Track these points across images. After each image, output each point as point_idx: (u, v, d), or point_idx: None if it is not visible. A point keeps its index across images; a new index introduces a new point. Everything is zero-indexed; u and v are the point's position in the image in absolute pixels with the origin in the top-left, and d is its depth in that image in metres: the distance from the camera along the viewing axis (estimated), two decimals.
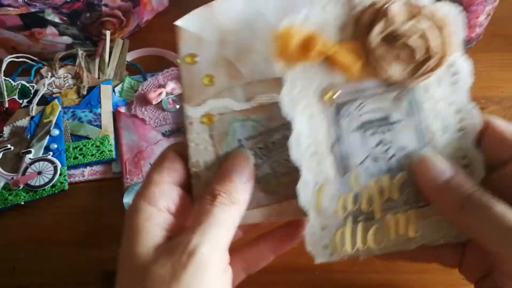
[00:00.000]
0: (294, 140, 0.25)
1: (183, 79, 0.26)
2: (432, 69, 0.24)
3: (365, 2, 0.24)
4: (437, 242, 0.26)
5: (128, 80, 0.49)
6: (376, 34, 0.24)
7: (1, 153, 0.41)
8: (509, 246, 0.22)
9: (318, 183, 0.26)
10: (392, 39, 0.24)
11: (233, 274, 0.28)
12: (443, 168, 0.24)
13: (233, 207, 0.25)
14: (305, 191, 0.25)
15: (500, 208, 0.22)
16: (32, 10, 0.46)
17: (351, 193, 0.26)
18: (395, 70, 0.24)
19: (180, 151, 0.27)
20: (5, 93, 0.46)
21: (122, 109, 0.46)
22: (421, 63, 0.24)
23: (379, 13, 0.23)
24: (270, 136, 0.26)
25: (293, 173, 0.26)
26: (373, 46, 0.24)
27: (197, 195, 0.26)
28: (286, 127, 0.25)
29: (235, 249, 0.30)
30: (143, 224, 0.24)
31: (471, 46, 0.52)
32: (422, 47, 0.24)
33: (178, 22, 0.25)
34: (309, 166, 0.25)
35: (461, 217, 0.24)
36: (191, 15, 0.25)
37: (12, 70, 0.49)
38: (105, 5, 0.50)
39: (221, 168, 0.26)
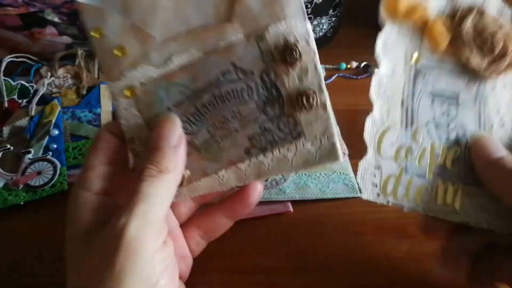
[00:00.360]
0: (377, 80, 0.28)
1: (98, 56, 0.25)
2: (504, 69, 0.28)
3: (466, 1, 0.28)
4: (480, 225, 0.27)
5: None
6: (470, 21, 0.28)
7: (1, 153, 0.41)
8: None
9: (384, 125, 0.28)
10: (480, 31, 0.28)
11: (192, 244, 0.30)
12: (498, 147, 0.26)
13: (163, 176, 0.23)
14: (371, 128, 0.28)
15: None
16: (32, 10, 0.46)
17: (410, 146, 0.28)
18: (475, 57, 0.28)
19: (116, 130, 0.26)
20: (5, 93, 0.46)
21: None
22: (498, 58, 0.28)
23: (476, 9, 0.28)
24: (199, 98, 0.25)
25: (234, 133, 0.25)
26: (463, 31, 0.28)
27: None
28: (214, 85, 0.24)
29: (190, 220, 0.30)
30: (78, 211, 0.24)
31: None
32: (502, 44, 0.28)
33: None
34: (381, 107, 0.28)
35: (510, 189, 0.25)
36: None
37: (11, 70, 0.49)
38: None
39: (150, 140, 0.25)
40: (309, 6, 0.47)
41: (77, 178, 0.25)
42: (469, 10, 0.29)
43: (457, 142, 0.28)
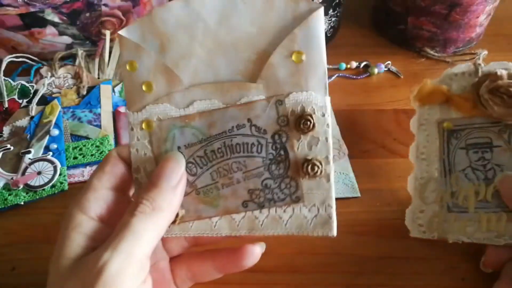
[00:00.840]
0: (414, 147, 0.35)
1: (125, 86, 0.26)
2: None
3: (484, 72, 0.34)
4: None
5: None
6: (486, 85, 0.34)
7: (1, 153, 0.41)
8: None
9: (424, 178, 0.34)
10: (496, 90, 0.34)
11: (178, 280, 0.30)
12: None
13: (156, 214, 0.23)
14: (413, 182, 0.34)
15: None
16: (32, 10, 0.46)
17: (450, 190, 0.33)
18: (498, 109, 0.34)
19: (125, 155, 0.27)
20: (5, 93, 0.46)
21: (122, 109, 0.46)
22: None
23: (489, 75, 0.34)
24: (210, 145, 0.26)
25: (235, 184, 0.26)
26: (482, 93, 0.34)
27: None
28: (227, 135, 0.26)
29: (180, 257, 0.30)
30: (69, 233, 0.24)
31: (471, 46, 0.52)
32: None
33: (122, 32, 0.25)
34: (420, 166, 0.34)
35: None
36: (133, 25, 0.26)
37: (11, 70, 0.49)
38: (105, 4, 0.50)
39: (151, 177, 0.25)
40: None
41: (76, 197, 0.25)
42: (484, 78, 0.35)
43: (494, 178, 0.32)
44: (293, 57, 0.24)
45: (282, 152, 0.25)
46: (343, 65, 0.50)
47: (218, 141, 0.26)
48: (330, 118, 0.25)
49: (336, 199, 0.26)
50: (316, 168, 0.25)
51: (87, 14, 0.49)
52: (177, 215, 0.26)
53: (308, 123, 0.24)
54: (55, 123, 0.43)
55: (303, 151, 0.25)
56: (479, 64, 0.36)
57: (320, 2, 0.48)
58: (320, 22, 0.24)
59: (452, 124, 0.36)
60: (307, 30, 0.24)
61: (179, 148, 0.26)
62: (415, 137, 0.36)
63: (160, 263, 0.30)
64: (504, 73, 0.34)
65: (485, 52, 0.37)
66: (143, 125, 0.26)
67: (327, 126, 0.25)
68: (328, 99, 0.25)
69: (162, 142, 0.26)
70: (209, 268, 0.29)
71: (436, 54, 0.50)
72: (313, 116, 0.25)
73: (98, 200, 0.25)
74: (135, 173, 0.26)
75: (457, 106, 0.36)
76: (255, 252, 0.29)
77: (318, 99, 0.25)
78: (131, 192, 0.28)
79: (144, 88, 0.26)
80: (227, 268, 0.29)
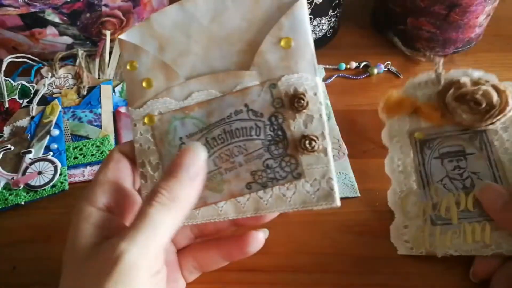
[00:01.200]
0: (388, 160, 0.37)
1: (127, 85, 0.28)
2: (495, 117, 0.34)
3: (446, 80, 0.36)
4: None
5: None
6: (451, 93, 0.35)
7: (1, 153, 0.42)
8: None
9: (404, 191, 0.35)
10: (461, 98, 0.35)
11: (185, 272, 0.30)
12: (501, 192, 0.30)
13: (174, 205, 0.23)
14: (393, 197, 0.35)
15: None
16: (32, 10, 0.46)
17: (430, 202, 0.34)
18: (467, 117, 0.34)
19: (127, 151, 0.28)
20: (5, 93, 0.46)
21: (122, 109, 0.46)
22: (485, 113, 0.34)
23: (453, 83, 0.35)
24: (210, 132, 0.27)
25: (238, 167, 0.27)
26: (449, 101, 0.35)
27: (144, 195, 0.27)
28: (225, 122, 0.27)
29: (186, 249, 0.31)
30: (80, 225, 0.24)
31: (471, 46, 0.52)
32: (485, 101, 0.34)
33: (122, 36, 0.27)
34: (398, 180, 0.36)
35: None
36: (132, 30, 0.27)
37: (12, 70, 0.49)
38: (105, 5, 0.50)
39: (170, 166, 0.25)
40: (309, 6, 0.47)
41: (84, 192, 0.26)
42: (448, 87, 0.36)
43: (473, 187, 0.33)
44: (282, 43, 0.26)
45: (279, 133, 0.26)
46: (343, 65, 0.50)
47: (217, 128, 0.27)
48: (322, 97, 0.26)
49: None
50: (313, 143, 0.26)
51: (88, 15, 0.49)
52: None
53: (302, 101, 0.26)
54: (56, 123, 0.44)
55: (300, 130, 0.26)
56: (440, 73, 0.37)
57: (319, 3, 0.48)
58: (304, 10, 0.26)
59: (423, 134, 0.36)
60: (293, 18, 0.26)
61: (181, 138, 0.27)
62: (389, 150, 0.37)
63: (168, 256, 0.30)
64: (467, 80, 0.35)
65: (442, 60, 0.37)
66: (145, 120, 0.27)
67: (319, 104, 0.26)
68: (318, 79, 0.26)
69: (165, 134, 0.27)
70: (215, 256, 0.30)
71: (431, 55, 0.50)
72: (306, 95, 0.26)
73: (105, 192, 0.26)
74: (140, 167, 0.27)
75: (426, 115, 0.36)
76: (259, 238, 0.29)
77: (309, 79, 0.26)
78: (137, 186, 0.29)
79: (144, 84, 0.27)
80: (233, 255, 0.30)
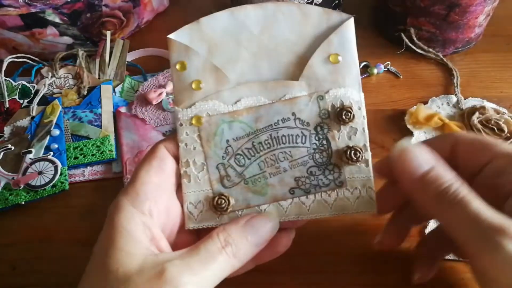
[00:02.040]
0: None
1: (175, 85, 0.28)
2: None
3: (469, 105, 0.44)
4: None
5: (128, 80, 0.49)
6: (475, 117, 0.42)
7: (2, 153, 0.42)
8: (483, 245, 0.21)
9: None
10: (485, 122, 0.42)
11: None
12: (423, 160, 0.25)
13: (235, 261, 0.24)
14: None
15: (476, 204, 0.22)
16: (33, 10, 0.46)
17: None
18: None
19: (171, 148, 0.27)
20: (6, 93, 0.46)
21: (123, 109, 0.46)
22: (506, 139, 0.40)
23: (476, 108, 0.43)
24: (257, 137, 0.28)
25: (282, 172, 0.28)
26: (473, 125, 0.41)
27: (187, 195, 0.27)
28: (272, 128, 0.28)
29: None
30: (125, 226, 0.23)
31: (470, 46, 0.52)
32: (506, 127, 0.41)
33: (171, 36, 0.27)
34: None
35: (437, 212, 0.24)
36: (181, 30, 0.27)
37: (12, 70, 0.49)
38: (106, 5, 0.50)
39: (244, 220, 0.26)
40: None
41: (125, 187, 0.25)
42: (473, 110, 0.43)
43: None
44: (331, 59, 0.27)
45: (324, 142, 0.28)
46: None
47: (265, 133, 0.28)
48: (365, 111, 0.28)
49: None
50: (358, 154, 0.27)
51: (88, 15, 0.49)
52: (228, 203, 0.27)
53: (349, 114, 0.27)
54: (56, 123, 0.44)
55: (343, 141, 0.28)
56: (461, 97, 0.45)
57: (320, 3, 0.48)
58: (351, 29, 0.28)
59: None
60: (341, 36, 0.28)
61: (227, 141, 0.28)
62: None
63: None
64: (490, 107, 0.43)
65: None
66: (193, 121, 0.28)
67: (363, 118, 0.28)
68: (362, 95, 0.28)
69: (212, 136, 0.28)
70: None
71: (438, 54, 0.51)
72: (352, 108, 0.28)
73: (147, 195, 0.25)
74: (184, 167, 0.28)
75: (451, 129, 0.41)
76: (290, 237, 0.29)
77: (354, 94, 0.28)
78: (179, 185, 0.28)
79: (193, 86, 0.28)
80: (264, 257, 0.29)
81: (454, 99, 0.46)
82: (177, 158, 0.28)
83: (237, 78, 0.28)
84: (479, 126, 0.41)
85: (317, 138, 0.28)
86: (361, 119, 0.28)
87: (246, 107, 0.28)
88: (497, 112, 0.43)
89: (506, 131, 0.41)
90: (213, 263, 0.23)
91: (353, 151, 0.27)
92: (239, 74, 0.28)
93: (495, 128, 0.41)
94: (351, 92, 0.28)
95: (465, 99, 0.46)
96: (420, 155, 0.25)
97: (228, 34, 0.28)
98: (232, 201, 0.27)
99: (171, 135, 0.28)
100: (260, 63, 0.28)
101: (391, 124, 0.45)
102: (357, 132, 0.28)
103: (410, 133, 0.43)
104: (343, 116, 0.27)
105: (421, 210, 0.26)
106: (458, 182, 0.24)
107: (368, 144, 0.28)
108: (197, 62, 0.28)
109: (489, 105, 0.44)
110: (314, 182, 0.28)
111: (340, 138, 0.28)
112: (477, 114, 0.42)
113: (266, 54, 0.28)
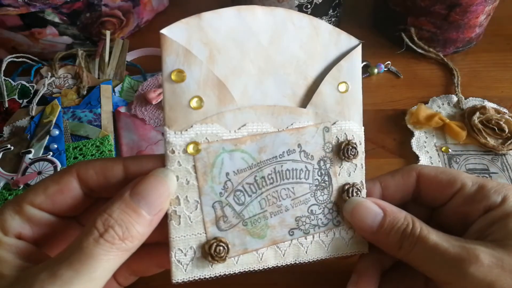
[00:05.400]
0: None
1: (166, 99, 0.22)
2: None
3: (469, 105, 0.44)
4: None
5: (128, 80, 0.49)
6: (477, 117, 0.42)
7: (1, 153, 0.41)
8: (448, 272, 0.23)
9: None
10: (486, 122, 0.41)
11: (120, 278, 0.27)
12: (373, 211, 0.25)
13: (123, 246, 0.20)
14: None
15: (434, 238, 0.23)
16: (32, 10, 0.46)
17: None
18: (490, 140, 0.41)
19: (89, 178, 0.23)
20: (5, 93, 0.46)
21: (122, 109, 0.46)
22: (506, 139, 0.41)
23: (477, 108, 0.43)
24: (261, 170, 0.24)
25: (283, 212, 0.25)
26: (474, 125, 0.41)
27: (175, 240, 0.22)
28: (277, 160, 0.24)
29: None
30: None
31: (471, 46, 0.52)
32: (507, 127, 0.41)
33: (165, 31, 0.21)
34: None
35: (402, 255, 0.25)
36: (178, 25, 0.21)
37: (12, 70, 0.49)
38: (105, 5, 0.50)
39: (128, 192, 0.21)
40: (309, 6, 0.47)
41: (5, 203, 0.23)
42: (473, 110, 0.42)
43: None
44: (340, 87, 0.25)
45: (326, 178, 0.26)
46: None
47: (268, 166, 0.24)
48: (363, 146, 0.27)
49: None
50: (358, 193, 0.26)
51: (87, 14, 0.49)
52: (227, 250, 0.23)
53: (354, 150, 0.26)
54: (55, 123, 0.43)
55: (343, 177, 0.26)
56: (462, 97, 0.45)
57: (320, 3, 0.48)
58: (359, 57, 0.26)
59: (450, 150, 0.41)
60: (351, 63, 0.25)
61: (227, 174, 0.23)
62: (419, 157, 0.40)
63: None
64: (491, 107, 0.43)
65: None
66: (189, 148, 0.22)
67: (362, 154, 0.27)
68: (363, 128, 0.27)
69: (209, 167, 0.23)
70: (149, 266, 0.27)
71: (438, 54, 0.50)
72: (356, 144, 0.26)
73: (24, 217, 0.22)
74: (173, 205, 0.22)
75: (453, 133, 0.41)
76: None
77: (356, 128, 0.26)
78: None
79: (192, 104, 0.22)
80: (166, 264, 0.26)
81: (454, 99, 0.45)
82: (93, 191, 0.23)
83: (240, 96, 0.23)
84: (479, 126, 0.41)
85: (319, 173, 0.26)
86: (361, 155, 0.27)
87: (251, 134, 0.23)
88: (498, 112, 0.43)
89: (506, 131, 0.41)
90: (90, 261, 0.19)
91: (355, 189, 0.26)
92: (242, 92, 0.23)
93: (496, 128, 0.41)
94: (354, 126, 0.26)
95: (465, 99, 0.45)
96: (369, 208, 0.25)
97: (233, 39, 0.23)
98: (230, 247, 0.24)
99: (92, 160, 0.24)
100: (266, 81, 0.24)
101: (392, 124, 0.44)
102: (356, 169, 0.26)
103: (411, 133, 0.43)
104: (348, 153, 0.26)
105: (389, 255, 0.26)
106: (410, 220, 0.25)
107: (364, 181, 0.27)
108: (199, 73, 0.22)
109: (489, 105, 0.44)
110: (313, 222, 0.26)
111: (340, 175, 0.26)
112: (477, 114, 0.42)
113: (273, 71, 0.24)
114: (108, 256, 0.19)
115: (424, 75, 0.50)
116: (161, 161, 0.22)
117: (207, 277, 0.23)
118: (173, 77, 0.21)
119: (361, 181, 0.27)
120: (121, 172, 0.23)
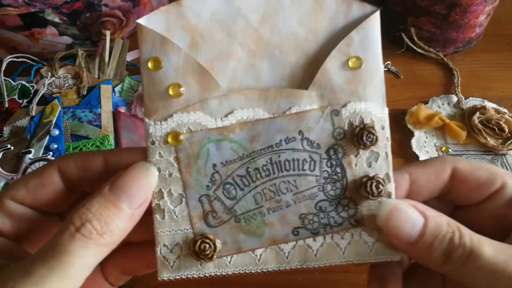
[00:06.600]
0: None
1: (145, 88, 0.21)
2: None
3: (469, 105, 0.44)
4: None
5: (128, 80, 0.49)
6: (477, 117, 0.42)
7: (1, 153, 0.41)
8: None
9: None
10: (486, 122, 0.42)
11: (111, 279, 0.26)
12: (413, 217, 0.21)
13: (101, 241, 0.19)
14: None
15: (489, 251, 0.20)
16: (32, 10, 0.46)
17: None
18: (490, 140, 0.41)
19: (69, 171, 0.22)
20: (5, 93, 0.46)
21: (122, 109, 0.46)
22: (506, 139, 0.41)
23: (477, 108, 0.43)
24: (253, 161, 0.22)
25: (284, 208, 0.22)
26: (474, 125, 0.41)
27: (160, 235, 0.22)
28: (273, 150, 0.22)
29: (111, 257, 0.25)
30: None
31: (471, 46, 0.52)
32: (507, 127, 0.41)
33: (142, 21, 0.21)
34: None
35: (449, 271, 0.21)
36: (157, 13, 0.21)
37: (12, 70, 0.49)
38: (105, 5, 0.50)
39: (107, 186, 0.20)
40: None
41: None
42: (473, 110, 0.43)
43: None
44: (351, 63, 0.22)
45: (338, 170, 0.22)
46: None
47: (263, 157, 0.22)
48: (389, 131, 0.22)
49: None
50: (381, 187, 0.22)
51: (87, 14, 0.49)
52: (214, 248, 0.22)
53: (371, 135, 0.22)
54: (55, 123, 0.43)
55: (362, 168, 0.22)
56: (462, 97, 0.45)
57: None
58: (377, 27, 0.22)
59: (450, 150, 0.41)
60: (365, 34, 0.22)
61: (214, 166, 0.22)
62: (419, 157, 0.40)
63: None
64: (491, 107, 0.43)
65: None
66: (169, 138, 0.21)
67: (387, 140, 0.22)
68: (387, 110, 0.22)
69: (193, 158, 0.22)
70: (139, 266, 0.26)
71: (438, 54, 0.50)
72: (375, 128, 0.22)
73: (1, 215, 0.21)
74: (157, 199, 0.22)
75: (453, 133, 0.42)
76: None
77: (377, 109, 0.22)
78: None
79: (170, 92, 0.21)
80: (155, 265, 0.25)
81: (454, 99, 0.46)
82: (76, 185, 0.22)
83: (228, 82, 0.22)
84: (479, 126, 0.41)
85: (329, 164, 0.22)
86: (384, 142, 0.22)
87: (240, 121, 0.22)
88: (498, 112, 0.43)
89: (506, 131, 0.41)
90: (65, 257, 0.18)
91: (374, 183, 0.22)
92: (230, 76, 0.22)
93: (496, 128, 0.41)
94: (373, 107, 0.22)
95: (465, 99, 0.45)
96: (408, 213, 0.21)
97: (217, 21, 0.21)
98: (219, 245, 0.22)
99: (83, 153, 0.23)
100: (259, 64, 0.22)
101: (392, 124, 0.44)
102: (379, 158, 0.22)
103: (411, 133, 0.43)
104: (364, 139, 0.22)
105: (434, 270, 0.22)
106: (455, 227, 0.21)
107: (391, 173, 0.22)
108: (176, 59, 0.21)
109: (489, 105, 0.44)
110: (324, 221, 0.22)
111: (357, 165, 0.22)
112: (477, 114, 0.42)
113: (267, 52, 0.22)
114: (85, 252, 0.18)
115: (424, 75, 0.50)
116: (144, 154, 0.22)
117: (195, 276, 0.22)
118: (149, 65, 0.21)
119: (387, 173, 0.22)
120: (101, 164, 0.23)
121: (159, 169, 0.21)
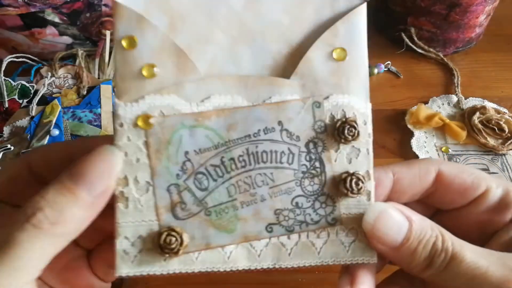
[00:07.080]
0: None
1: (117, 68, 0.20)
2: None
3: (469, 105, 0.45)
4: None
5: None
6: (476, 117, 0.42)
7: (1, 153, 0.41)
8: None
9: None
10: (486, 122, 0.42)
11: (100, 273, 0.25)
12: (399, 221, 0.21)
13: (53, 231, 0.17)
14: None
15: (470, 255, 0.20)
16: (32, 10, 0.46)
17: None
18: (490, 140, 0.41)
19: (36, 163, 0.21)
20: (5, 93, 0.46)
21: None
22: (506, 139, 0.41)
23: (477, 108, 0.43)
24: (229, 151, 0.21)
25: (259, 202, 0.21)
26: (474, 125, 0.41)
27: (121, 226, 0.20)
28: (251, 140, 0.21)
29: (98, 252, 0.25)
30: None
31: (471, 46, 0.52)
32: (507, 127, 0.42)
33: None
34: None
35: (430, 276, 0.21)
36: None
37: (12, 70, 0.49)
38: (105, 5, 0.50)
39: (67, 172, 0.18)
40: None
41: None
42: (473, 110, 0.43)
43: None
44: (335, 54, 0.21)
45: (317, 164, 0.21)
46: None
47: (239, 147, 0.21)
48: (371, 127, 0.22)
49: None
50: (360, 184, 0.21)
51: (88, 14, 0.49)
52: (181, 242, 0.20)
53: (353, 130, 0.21)
54: (55, 123, 0.43)
55: (342, 164, 0.22)
56: (462, 97, 0.45)
57: None
58: (363, 19, 0.22)
59: (450, 150, 0.41)
60: (350, 25, 0.21)
61: (186, 153, 0.20)
62: (419, 157, 0.41)
63: (74, 263, 0.24)
64: (491, 107, 0.43)
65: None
66: (138, 121, 0.20)
67: (368, 136, 0.22)
68: (370, 105, 0.22)
69: (164, 144, 0.20)
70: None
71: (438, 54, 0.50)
72: (357, 123, 0.21)
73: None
74: (121, 186, 0.20)
75: (453, 133, 0.42)
76: None
77: (360, 104, 0.22)
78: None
79: (144, 72, 0.20)
80: None
81: (454, 99, 0.46)
82: (43, 177, 0.21)
83: (208, 68, 0.21)
84: (479, 126, 0.41)
85: (308, 158, 0.21)
86: (366, 138, 0.22)
87: (217, 108, 0.21)
88: (498, 112, 0.43)
89: (506, 131, 0.41)
90: (13, 250, 0.17)
91: (354, 179, 0.21)
92: (209, 61, 0.21)
93: (496, 128, 0.41)
94: (356, 101, 0.21)
95: (465, 99, 0.46)
96: (394, 216, 0.21)
97: (199, 5, 0.20)
98: (186, 239, 0.20)
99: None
100: (240, 50, 0.21)
101: (392, 124, 0.44)
102: (360, 155, 0.22)
103: (411, 133, 0.43)
104: (345, 132, 0.21)
105: (415, 275, 0.21)
106: (438, 231, 0.21)
107: (372, 171, 0.22)
108: (153, 38, 0.20)
109: (489, 105, 0.44)
110: (299, 218, 0.21)
111: (337, 161, 0.21)
112: (477, 114, 0.42)
113: (249, 39, 0.21)
114: (35, 244, 0.17)
115: (424, 75, 0.50)
116: (110, 140, 0.20)
117: (157, 273, 0.20)
118: (123, 43, 0.20)
119: (367, 171, 0.22)
120: (63, 152, 0.22)
121: (126, 154, 0.20)
